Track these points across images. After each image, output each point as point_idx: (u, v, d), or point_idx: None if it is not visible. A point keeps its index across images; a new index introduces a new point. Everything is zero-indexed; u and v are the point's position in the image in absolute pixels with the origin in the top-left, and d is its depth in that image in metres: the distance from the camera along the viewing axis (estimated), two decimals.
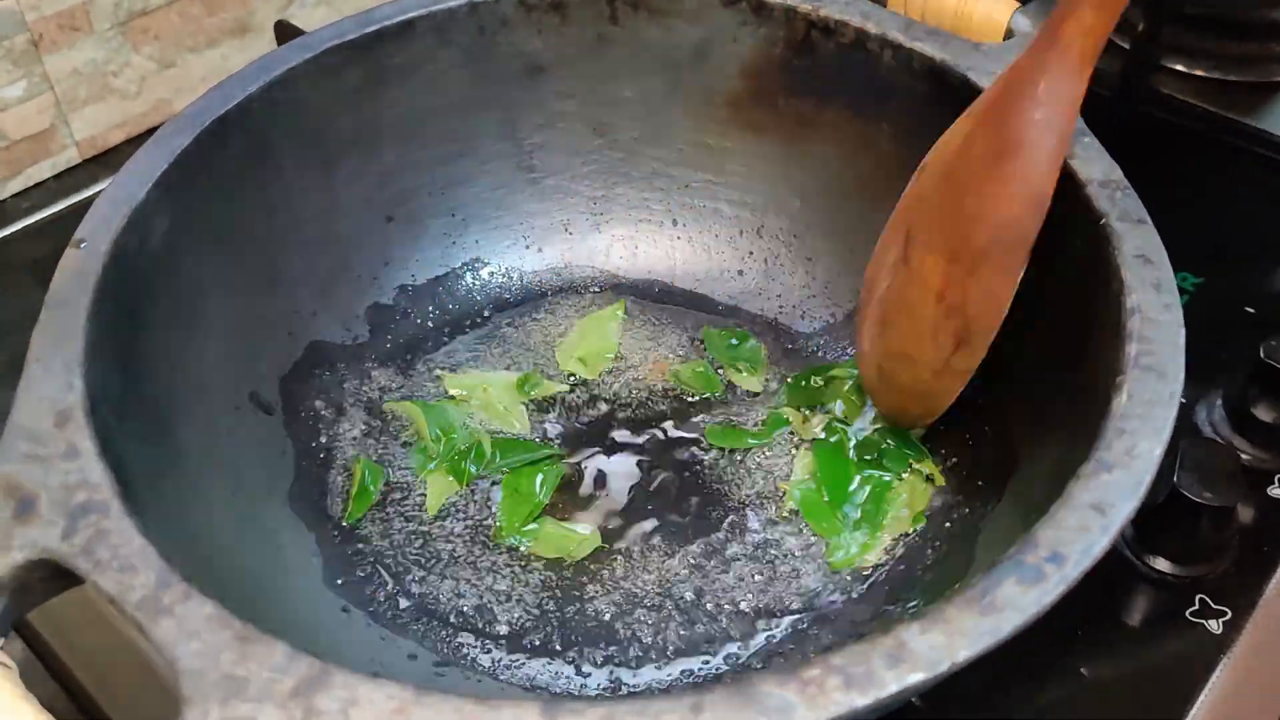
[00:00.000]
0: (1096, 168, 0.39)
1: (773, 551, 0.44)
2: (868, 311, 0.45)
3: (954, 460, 0.45)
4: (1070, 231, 0.38)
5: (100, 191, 0.64)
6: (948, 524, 0.43)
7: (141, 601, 0.27)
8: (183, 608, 0.27)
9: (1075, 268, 0.39)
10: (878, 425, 0.47)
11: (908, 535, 0.44)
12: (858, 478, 0.45)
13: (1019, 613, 0.27)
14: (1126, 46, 0.63)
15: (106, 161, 0.68)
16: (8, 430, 0.31)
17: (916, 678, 0.26)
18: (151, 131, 0.68)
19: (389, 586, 0.42)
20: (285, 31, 0.68)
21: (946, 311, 0.40)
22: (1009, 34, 0.46)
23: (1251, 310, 0.55)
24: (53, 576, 0.29)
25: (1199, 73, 0.68)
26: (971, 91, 0.43)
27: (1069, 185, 0.39)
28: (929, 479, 0.45)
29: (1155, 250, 0.36)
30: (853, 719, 0.26)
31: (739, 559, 0.43)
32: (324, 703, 0.25)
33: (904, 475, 0.45)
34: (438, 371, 0.49)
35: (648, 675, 0.40)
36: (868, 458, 0.46)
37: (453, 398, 0.48)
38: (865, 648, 0.26)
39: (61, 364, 0.33)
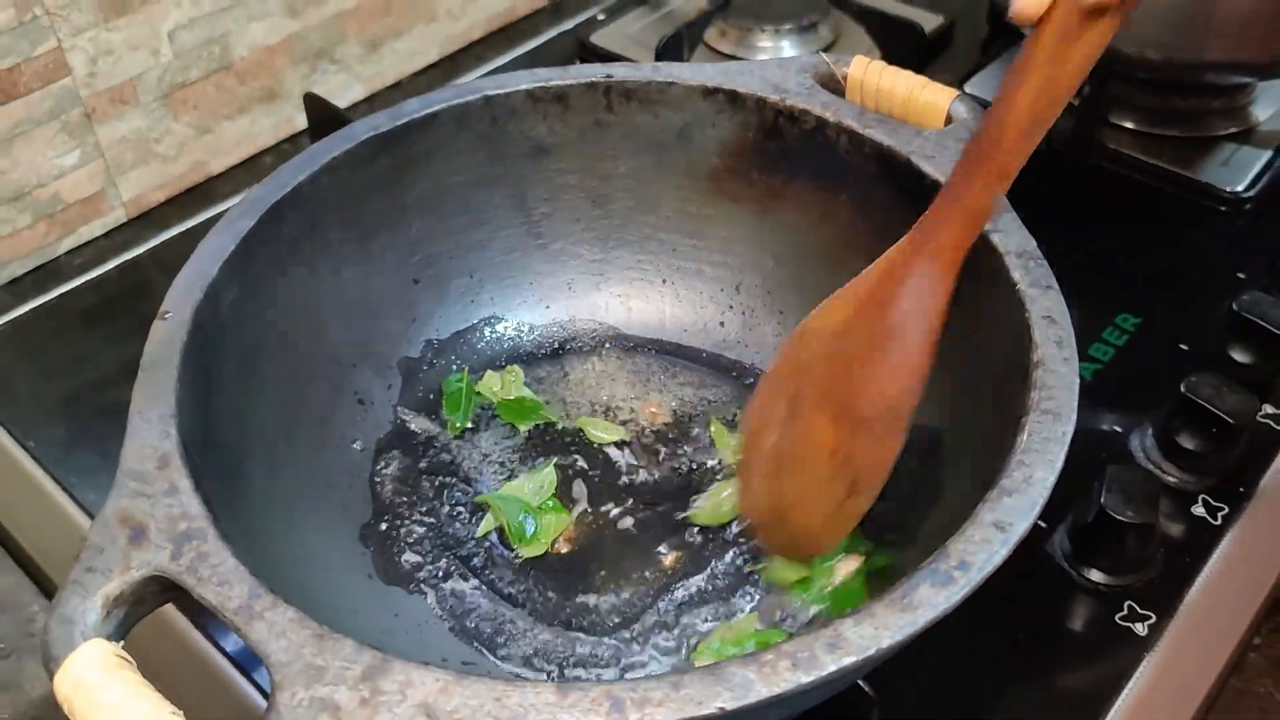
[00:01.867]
0: (1014, 240, 0.43)
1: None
2: (753, 463, 0.46)
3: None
4: (989, 295, 0.42)
5: (148, 249, 0.70)
6: None
7: (239, 609, 0.32)
8: (271, 613, 0.32)
9: (992, 325, 0.42)
10: None
11: None
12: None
13: (932, 609, 0.32)
14: (1076, 104, 0.65)
15: (150, 220, 0.71)
16: (119, 473, 0.36)
17: (849, 660, 0.31)
18: (189, 191, 0.74)
19: (425, 600, 0.47)
20: (313, 103, 0.71)
21: (838, 466, 0.43)
22: (949, 119, 0.49)
23: (1185, 348, 0.58)
24: (162, 590, 0.34)
25: (1142, 128, 0.71)
26: (913, 172, 0.47)
27: (991, 256, 0.42)
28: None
29: (1060, 312, 0.40)
30: (801, 693, 0.31)
31: (731, 569, 0.48)
32: (386, 684, 0.30)
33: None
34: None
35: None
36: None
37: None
38: (810, 638, 0.31)
39: (158, 416, 0.38)
